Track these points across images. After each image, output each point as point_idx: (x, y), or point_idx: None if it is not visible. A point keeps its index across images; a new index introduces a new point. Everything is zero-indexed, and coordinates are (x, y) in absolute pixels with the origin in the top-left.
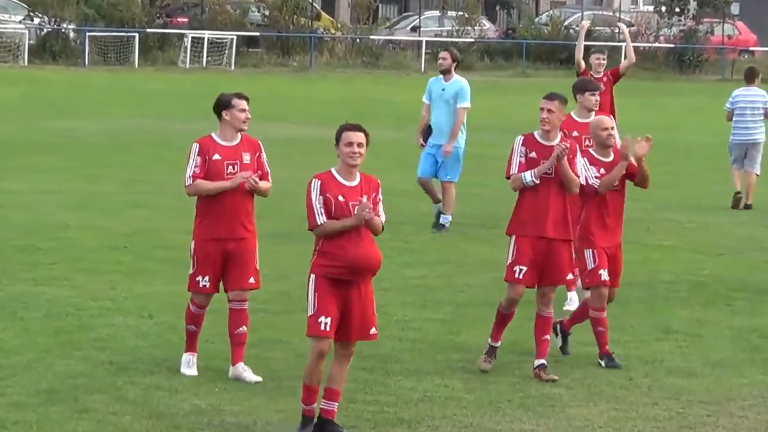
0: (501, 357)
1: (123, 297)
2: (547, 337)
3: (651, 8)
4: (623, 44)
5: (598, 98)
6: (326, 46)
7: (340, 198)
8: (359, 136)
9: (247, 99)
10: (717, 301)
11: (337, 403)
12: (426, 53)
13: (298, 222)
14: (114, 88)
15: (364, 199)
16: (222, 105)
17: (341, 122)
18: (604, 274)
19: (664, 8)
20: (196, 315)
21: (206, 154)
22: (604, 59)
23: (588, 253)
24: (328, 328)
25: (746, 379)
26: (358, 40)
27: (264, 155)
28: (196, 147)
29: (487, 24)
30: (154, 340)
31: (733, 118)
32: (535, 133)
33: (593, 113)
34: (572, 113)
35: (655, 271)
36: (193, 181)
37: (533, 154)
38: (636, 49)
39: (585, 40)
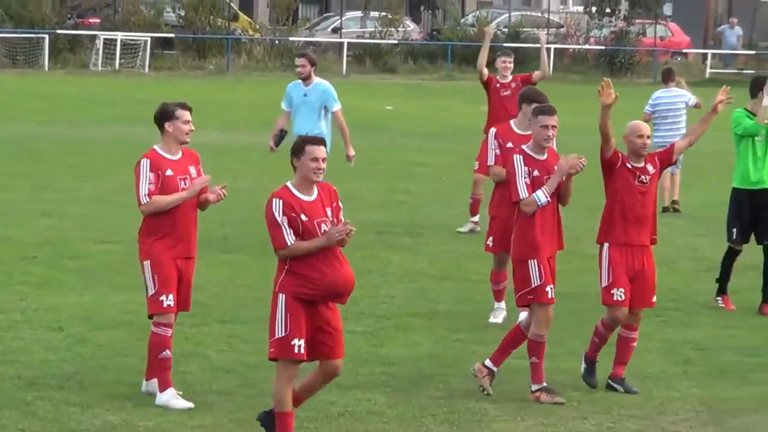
0: (426, 370)
1: (33, 309)
2: (535, 359)
3: (581, 9)
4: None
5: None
6: (244, 48)
7: (303, 217)
8: (323, 151)
9: (190, 109)
10: (649, 313)
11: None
12: (348, 55)
13: (211, 230)
14: (23, 92)
15: (344, 220)
16: (164, 116)
17: (258, 127)
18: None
19: (594, 9)
20: (166, 338)
21: (158, 169)
22: (510, 62)
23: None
24: (302, 351)
25: (678, 392)
26: (277, 42)
27: (201, 167)
28: (146, 163)
29: (411, 25)
30: (65, 353)
31: (655, 120)
32: (528, 149)
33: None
34: (512, 123)
35: (587, 282)
36: (149, 199)
37: (536, 173)
38: (565, 51)
39: (512, 42)
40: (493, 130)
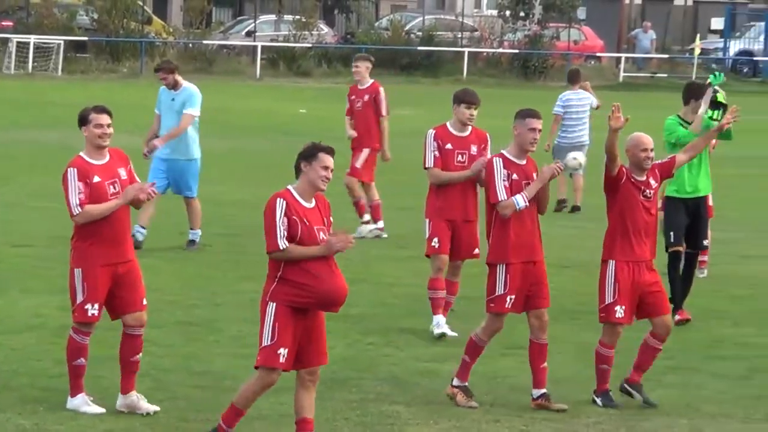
0: (339, 374)
1: None
2: (546, 365)
3: (495, 13)
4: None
5: (474, 113)
6: (158, 51)
7: (306, 221)
8: (332, 161)
9: (108, 113)
10: (562, 316)
11: None
12: (262, 59)
13: None
14: None
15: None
16: (80, 120)
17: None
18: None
19: (508, 13)
20: (84, 346)
21: (86, 177)
22: (366, 67)
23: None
24: (284, 360)
25: (592, 395)
26: (190, 45)
27: (132, 166)
28: (73, 172)
29: (325, 28)
30: None
31: (563, 121)
32: (508, 153)
33: (469, 128)
34: (448, 124)
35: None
36: (82, 209)
37: (515, 176)
38: (479, 54)
39: (426, 45)
40: (431, 131)
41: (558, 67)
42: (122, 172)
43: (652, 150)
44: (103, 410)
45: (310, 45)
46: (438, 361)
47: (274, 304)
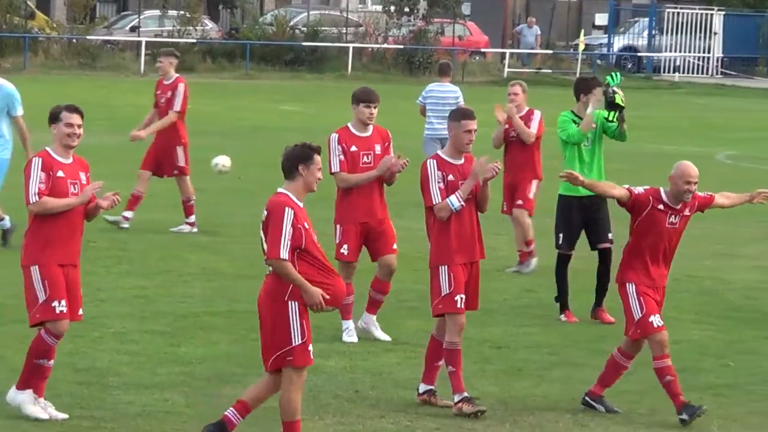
0: (224, 369)
1: None
2: (441, 363)
3: (380, 8)
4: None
5: (373, 112)
6: (41, 46)
7: (306, 226)
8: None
9: (80, 113)
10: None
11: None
12: (146, 54)
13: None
14: None
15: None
16: (51, 118)
17: None
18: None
19: (393, 8)
20: (52, 348)
21: (50, 169)
22: (170, 62)
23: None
24: (312, 356)
25: (476, 391)
26: (74, 41)
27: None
28: (37, 162)
29: (209, 24)
30: None
31: (427, 113)
32: (443, 154)
33: (370, 127)
34: (349, 125)
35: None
36: (39, 198)
37: (451, 177)
38: (364, 50)
39: (311, 41)
40: (334, 135)
41: None
42: (83, 177)
43: (696, 183)
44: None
45: (194, 40)
46: (323, 357)
47: (296, 303)
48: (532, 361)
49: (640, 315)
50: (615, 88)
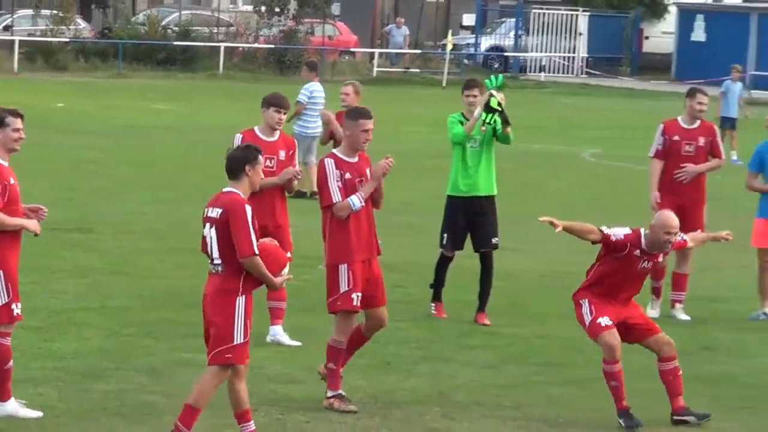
0: (96, 365)
1: None
2: (332, 365)
3: (250, 8)
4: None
5: (283, 117)
6: None
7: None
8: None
9: (22, 117)
10: (318, 307)
11: None
12: (20, 53)
13: None
14: None
15: None
16: None
17: None
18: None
19: (263, 8)
20: (9, 348)
21: (5, 179)
22: None
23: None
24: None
25: (346, 385)
26: None
27: None
28: None
29: (82, 23)
30: None
31: (305, 110)
32: (339, 153)
33: (277, 132)
34: (256, 128)
35: None
36: None
37: (348, 175)
38: (235, 49)
39: (183, 40)
40: (239, 136)
41: None
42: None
43: (676, 234)
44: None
45: (67, 40)
46: (196, 351)
47: (243, 301)
48: (400, 355)
49: (591, 317)
50: (493, 91)
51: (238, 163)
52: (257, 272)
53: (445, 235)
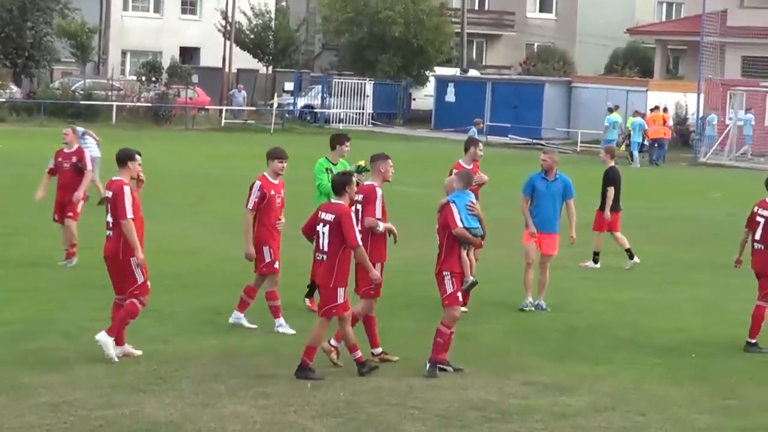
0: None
1: None
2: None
3: (134, 78)
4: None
5: (284, 165)
6: None
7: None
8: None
9: None
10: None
11: None
12: None
13: None
14: None
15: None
16: None
17: None
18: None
19: (144, 78)
20: None
21: None
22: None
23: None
24: None
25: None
26: None
27: None
28: None
29: (14, 88)
30: None
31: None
32: (268, 176)
33: (280, 177)
34: (266, 174)
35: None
36: None
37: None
38: (124, 107)
39: (87, 100)
40: (258, 182)
41: (179, 116)
42: None
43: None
44: None
45: (4, 100)
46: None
47: (342, 273)
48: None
49: (452, 289)
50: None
51: (341, 185)
52: (362, 258)
53: None
